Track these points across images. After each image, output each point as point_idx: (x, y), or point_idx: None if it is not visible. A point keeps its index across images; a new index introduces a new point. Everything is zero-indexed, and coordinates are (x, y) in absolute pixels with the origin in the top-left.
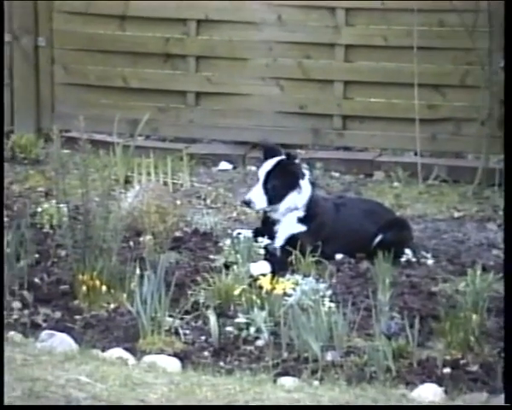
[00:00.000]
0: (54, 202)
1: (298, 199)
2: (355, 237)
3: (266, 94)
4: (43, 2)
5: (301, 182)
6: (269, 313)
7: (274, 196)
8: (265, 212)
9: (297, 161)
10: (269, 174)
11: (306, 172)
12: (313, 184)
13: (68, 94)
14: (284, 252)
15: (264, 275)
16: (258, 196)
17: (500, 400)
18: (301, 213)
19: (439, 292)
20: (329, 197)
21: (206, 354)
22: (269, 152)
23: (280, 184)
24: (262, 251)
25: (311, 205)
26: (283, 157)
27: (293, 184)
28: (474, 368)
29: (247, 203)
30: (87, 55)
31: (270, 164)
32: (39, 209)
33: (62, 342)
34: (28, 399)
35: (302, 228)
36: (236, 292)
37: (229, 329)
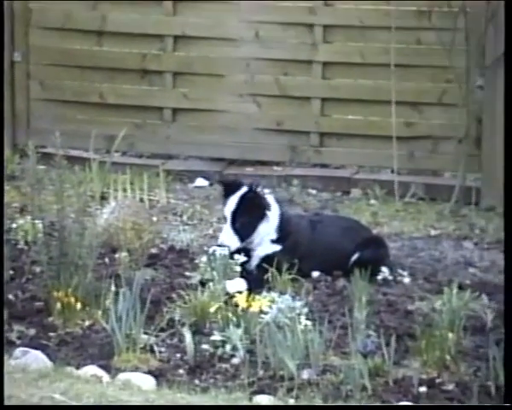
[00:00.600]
0: (29, 217)
1: (268, 226)
2: (332, 254)
3: (243, 110)
4: (20, 17)
5: (268, 212)
6: (245, 331)
7: (244, 233)
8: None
9: (259, 190)
10: (235, 213)
11: (270, 197)
12: (281, 203)
13: (44, 109)
14: (260, 270)
15: (240, 292)
16: (229, 238)
17: None
18: (274, 235)
19: (416, 310)
20: (305, 215)
21: (181, 371)
22: (229, 188)
23: (248, 219)
24: (238, 268)
25: (283, 225)
26: (245, 190)
27: (261, 216)
28: (450, 387)
29: (222, 246)
30: (63, 71)
31: (233, 202)
32: (14, 225)
33: (36, 359)
34: None
35: (276, 248)
36: (212, 309)
37: (204, 346)
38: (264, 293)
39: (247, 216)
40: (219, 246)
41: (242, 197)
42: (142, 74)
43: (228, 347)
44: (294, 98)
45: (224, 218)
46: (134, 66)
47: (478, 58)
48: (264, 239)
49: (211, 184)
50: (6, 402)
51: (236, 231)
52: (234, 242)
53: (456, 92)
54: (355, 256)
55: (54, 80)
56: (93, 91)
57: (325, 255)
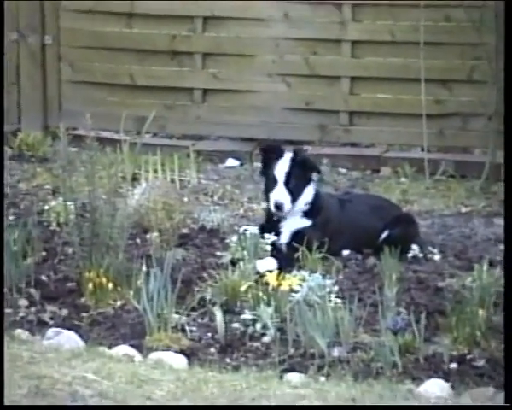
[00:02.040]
0: (61, 199)
1: (309, 193)
2: (361, 233)
3: (273, 90)
4: (50, 0)
5: (315, 174)
6: (275, 310)
7: (296, 194)
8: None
9: (306, 154)
10: (289, 174)
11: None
12: (317, 178)
13: (75, 92)
14: (290, 248)
15: (270, 271)
16: (283, 197)
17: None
18: (306, 208)
19: (446, 287)
20: (335, 194)
21: (212, 350)
22: (274, 152)
23: (299, 181)
24: (268, 247)
25: (316, 199)
26: (293, 153)
27: (308, 180)
28: (481, 363)
29: (279, 207)
30: (94, 53)
31: (286, 163)
32: (46, 207)
33: (69, 339)
34: (35, 396)
35: (307, 223)
36: (243, 289)
37: (235, 325)
38: (295, 272)
39: (298, 178)
40: (276, 207)
41: (293, 159)
42: (172, 56)
43: (258, 325)
44: (324, 77)
45: (274, 180)
46: (164, 47)
47: None
48: (297, 211)
49: (241, 164)
50: (39, 383)
51: (290, 190)
52: (287, 201)
53: (485, 69)
54: (385, 234)
55: (84, 62)
56: (123, 73)
57: (355, 234)
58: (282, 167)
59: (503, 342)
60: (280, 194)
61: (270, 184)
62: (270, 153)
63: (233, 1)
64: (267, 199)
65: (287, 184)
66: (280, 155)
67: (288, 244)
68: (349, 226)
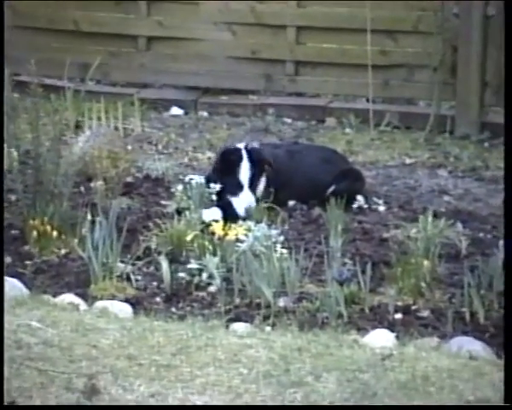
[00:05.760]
0: (4, 146)
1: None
2: (309, 185)
3: (218, 39)
4: None
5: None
6: (221, 259)
7: (257, 191)
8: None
9: (257, 149)
10: (252, 177)
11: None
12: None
13: (19, 37)
14: None
15: (216, 221)
16: (252, 202)
17: (450, 346)
18: None
19: (391, 238)
20: (282, 143)
21: (158, 299)
22: (239, 155)
23: (257, 180)
24: (214, 197)
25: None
26: (247, 154)
27: (262, 172)
28: (425, 314)
29: (248, 211)
30: None
31: (246, 167)
32: None
33: (13, 287)
34: None
35: None
36: (188, 238)
37: (181, 275)
38: (240, 222)
39: (257, 176)
40: (246, 212)
41: (251, 160)
42: (117, 2)
43: (204, 275)
44: (269, 26)
45: (239, 185)
46: None
47: None
48: None
49: (186, 113)
50: None
51: (253, 192)
52: (254, 203)
53: (431, 20)
54: (331, 188)
55: (28, 8)
56: (67, 19)
57: (302, 186)
58: (244, 172)
59: (446, 293)
60: (248, 200)
61: (234, 188)
62: (232, 158)
63: None
64: (224, 197)
65: (250, 186)
66: (241, 158)
67: None
68: (297, 178)
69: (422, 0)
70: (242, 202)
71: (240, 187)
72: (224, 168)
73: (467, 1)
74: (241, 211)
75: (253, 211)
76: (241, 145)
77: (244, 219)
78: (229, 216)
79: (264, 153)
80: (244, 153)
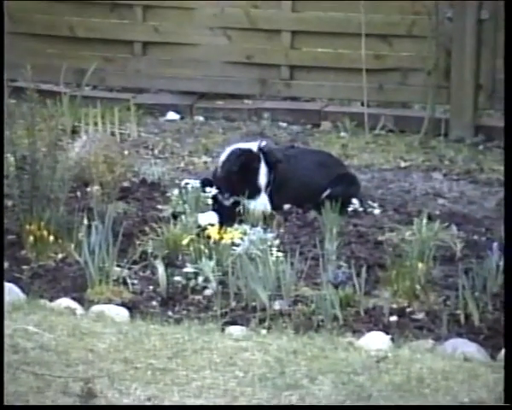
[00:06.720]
0: None
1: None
2: (304, 189)
3: (214, 44)
4: None
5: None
6: (217, 263)
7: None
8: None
9: (268, 150)
10: (268, 181)
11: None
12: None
13: (15, 43)
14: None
15: (212, 225)
16: (269, 205)
17: (444, 348)
18: None
19: (386, 241)
20: (279, 147)
21: (154, 303)
22: (257, 159)
23: (270, 179)
24: (210, 201)
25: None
26: (262, 155)
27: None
28: (420, 316)
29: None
30: (33, 4)
31: (264, 171)
32: None
33: (10, 291)
34: None
35: None
36: (184, 242)
37: (177, 278)
38: (236, 225)
39: (270, 176)
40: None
41: (266, 162)
42: (112, 7)
43: (200, 278)
44: (264, 31)
45: (257, 189)
46: None
47: None
48: None
49: (182, 118)
50: None
51: (269, 195)
52: (268, 205)
53: (425, 24)
54: (326, 193)
55: (24, 14)
56: (63, 25)
57: (298, 190)
58: (262, 176)
59: (441, 295)
60: (265, 204)
61: (252, 191)
62: (250, 161)
63: None
64: (238, 194)
65: (266, 189)
66: (259, 162)
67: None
68: (292, 182)
69: (416, 4)
70: (259, 205)
71: (258, 191)
72: (241, 171)
73: (461, 3)
74: (258, 215)
75: (267, 215)
76: (253, 145)
77: (257, 223)
78: (226, 220)
79: (277, 153)
80: (262, 156)
